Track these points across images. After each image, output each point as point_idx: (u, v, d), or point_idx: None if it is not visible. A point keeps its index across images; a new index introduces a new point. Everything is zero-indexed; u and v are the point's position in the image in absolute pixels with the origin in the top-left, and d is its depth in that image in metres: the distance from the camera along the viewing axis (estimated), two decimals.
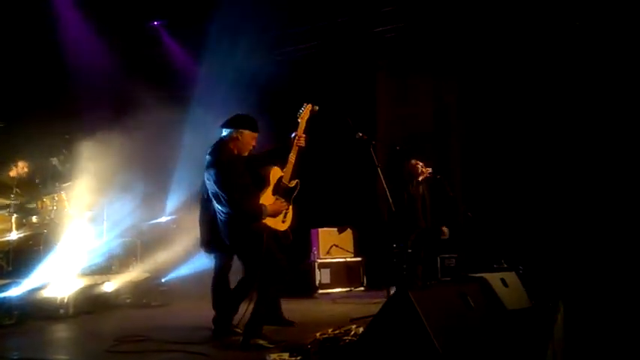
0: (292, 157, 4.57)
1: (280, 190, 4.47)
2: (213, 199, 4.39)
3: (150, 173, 8.55)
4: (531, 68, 9.15)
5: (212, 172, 4.28)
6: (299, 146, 4.63)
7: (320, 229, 9.20)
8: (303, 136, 4.67)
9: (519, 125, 9.12)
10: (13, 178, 7.53)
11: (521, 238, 8.31)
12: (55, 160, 7.77)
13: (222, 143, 4.44)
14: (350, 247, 9.31)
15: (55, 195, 7.49)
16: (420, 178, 7.45)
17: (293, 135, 4.67)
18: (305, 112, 4.75)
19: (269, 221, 4.31)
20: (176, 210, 8.94)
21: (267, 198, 4.36)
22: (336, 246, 9.18)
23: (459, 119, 10.08)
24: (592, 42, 8.71)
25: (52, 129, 7.76)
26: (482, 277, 4.33)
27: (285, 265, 4.35)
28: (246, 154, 4.54)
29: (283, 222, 4.48)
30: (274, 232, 4.42)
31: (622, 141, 8.48)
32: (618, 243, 8.07)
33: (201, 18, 8.84)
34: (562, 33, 8.95)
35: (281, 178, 4.51)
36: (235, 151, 4.43)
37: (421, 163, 7.37)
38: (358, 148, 5.53)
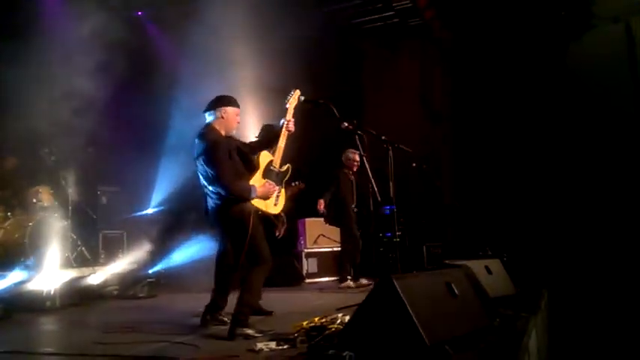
0: (282, 142, 4.64)
1: (271, 174, 4.53)
2: (205, 182, 4.40)
3: (136, 166, 8.52)
4: (519, 58, 9.23)
5: (202, 153, 4.32)
6: (288, 131, 4.69)
7: (307, 219, 9.24)
8: (292, 120, 4.73)
9: (506, 116, 9.21)
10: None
11: (505, 226, 8.39)
12: (42, 153, 7.71)
13: (208, 126, 4.49)
14: (337, 236, 9.34)
15: (40, 188, 7.44)
16: (354, 169, 7.73)
17: (282, 121, 4.74)
18: (293, 98, 4.82)
19: (260, 204, 4.35)
20: (162, 202, 8.93)
21: (257, 181, 4.41)
22: (323, 236, 9.23)
23: (447, 109, 10.15)
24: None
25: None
26: (466, 264, 4.38)
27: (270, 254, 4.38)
28: (233, 132, 4.60)
29: (275, 205, 4.54)
30: (267, 219, 4.46)
31: (604, 132, 8.61)
32: (601, 231, 8.19)
33: (185, 6, 8.79)
34: (549, 23, 9.03)
35: (271, 162, 4.58)
36: (223, 132, 4.47)
37: (357, 158, 7.50)
38: (344, 138, 5.55)
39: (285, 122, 4.70)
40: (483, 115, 9.47)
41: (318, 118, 6.08)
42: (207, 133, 4.41)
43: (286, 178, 4.70)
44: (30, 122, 7.45)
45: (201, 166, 4.36)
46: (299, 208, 8.90)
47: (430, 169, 7.64)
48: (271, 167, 4.55)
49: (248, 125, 5.68)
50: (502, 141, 9.20)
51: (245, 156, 4.55)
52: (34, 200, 7.34)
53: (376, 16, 10.05)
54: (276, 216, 4.57)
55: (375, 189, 5.39)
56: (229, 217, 4.30)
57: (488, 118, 9.39)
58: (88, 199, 8.43)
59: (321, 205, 7.81)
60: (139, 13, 9.48)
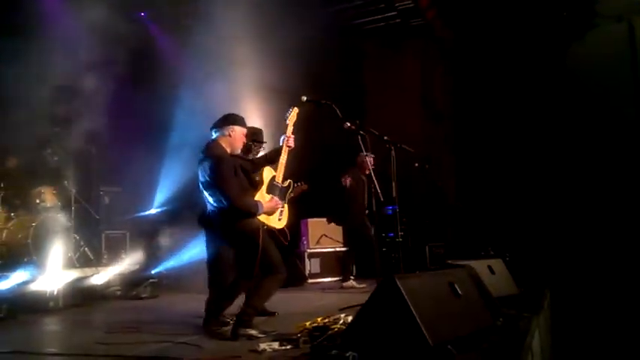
0: (283, 158, 4.73)
1: (274, 189, 4.61)
2: (204, 191, 4.41)
3: (139, 166, 8.54)
4: (521, 57, 9.22)
5: (207, 165, 4.33)
6: (289, 147, 4.79)
7: (309, 220, 9.25)
8: (292, 137, 4.83)
9: (508, 116, 9.20)
10: (2, 171, 7.48)
11: (508, 225, 8.39)
12: (44, 153, 7.74)
13: (214, 142, 4.50)
14: (339, 237, 9.35)
15: (44, 188, 7.45)
16: (367, 172, 7.60)
17: (282, 138, 4.84)
18: (292, 115, 4.92)
19: (266, 219, 4.42)
20: (165, 202, 8.94)
21: (261, 196, 4.48)
22: (326, 236, 9.24)
23: (449, 109, 10.14)
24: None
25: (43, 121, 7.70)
26: (468, 264, 4.37)
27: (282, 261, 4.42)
28: (238, 151, 4.62)
29: (279, 220, 4.62)
30: (272, 231, 4.51)
31: (606, 132, 8.61)
32: (603, 230, 8.18)
33: (187, 6, 8.82)
34: (551, 23, 9.03)
35: (273, 177, 4.66)
36: (228, 149, 4.49)
37: (372, 158, 7.43)
38: (347, 138, 5.56)
39: (286, 138, 4.79)
40: (485, 114, 9.46)
41: (321, 118, 6.09)
42: (213, 149, 4.42)
43: (289, 193, 4.77)
44: (32, 122, 7.47)
45: (202, 174, 4.38)
46: (302, 208, 8.92)
47: (433, 169, 7.63)
48: (274, 183, 4.63)
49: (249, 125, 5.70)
50: (504, 141, 9.19)
51: (247, 174, 4.60)
52: (37, 201, 7.35)
53: (378, 17, 10.05)
54: (280, 230, 4.61)
55: (378, 189, 5.40)
56: (238, 231, 4.31)
57: (490, 117, 9.38)
58: (91, 200, 8.44)
59: (347, 179, 7.74)
60: (142, 13, 9.49)
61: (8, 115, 7.27)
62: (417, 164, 7.51)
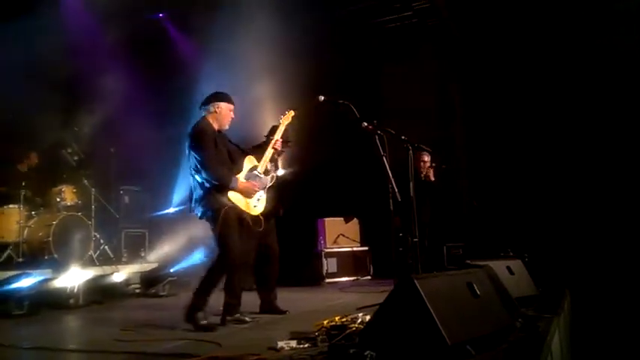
0: (267, 154, 4.84)
1: (253, 178, 4.70)
2: (192, 171, 4.56)
3: (158, 165, 8.61)
4: (534, 56, 9.13)
5: (188, 140, 4.55)
6: (274, 149, 4.91)
7: (326, 219, 9.24)
8: (280, 141, 4.95)
9: (525, 115, 9.12)
10: (23, 170, 7.59)
11: (527, 225, 8.31)
12: (64, 153, 7.84)
13: (201, 119, 4.70)
14: (356, 236, 9.35)
15: (64, 187, 7.55)
16: (423, 171, 7.51)
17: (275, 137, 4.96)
18: (287, 116, 5.04)
19: (240, 203, 4.52)
20: (183, 200, 9.00)
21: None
22: (343, 235, 9.23)
23: (464, 108, 10.08)
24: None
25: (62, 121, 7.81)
26: (487, 264, 4.34)
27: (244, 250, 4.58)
28: (226, 127, 4.75)
29: (255, 207, 4.67)
30: (244, 217, 4.59)
31: (627, 130, 8.49)
32: (624, 230, 8.07)
33: (205, 7, 8.87)
34: (564, 23, 8.94)
35: (255, 167, 4.75)
36: (216, 126, 4.65)
37: (425, 159, 7.35)
38: (364, 138, 5.55)
39: (274, 140, 4.90)
40: (501, 113, 9.38)
41: (338, 118, 6.08)
42: (198, 123, 4.62)
43: (269, 185, 4.85)
44: (53, 123, 7.57)
45: (188, 154, 4.55)
46: (318, 207, 8.94)
47: (450, 169, 7.59)
48: (255, 172, 4.72)
49: (268, 125, 5.73)
50: (522, 140, 9.11)
51: (229, 153, 4.71)
52: (58, 199, 7.46)
53: (395, 17, 10.02)
54: (254, 217, 4.67)
55: (395, 189, 5.38)
56: (206, 207, 4.48)
57: (506, 116, 9.30)
58: (111, 199, 8.54)
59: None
60: (160, 14, 9.58)
61: (28, 114, 7.38)
62: (434, 164, 7.48)
